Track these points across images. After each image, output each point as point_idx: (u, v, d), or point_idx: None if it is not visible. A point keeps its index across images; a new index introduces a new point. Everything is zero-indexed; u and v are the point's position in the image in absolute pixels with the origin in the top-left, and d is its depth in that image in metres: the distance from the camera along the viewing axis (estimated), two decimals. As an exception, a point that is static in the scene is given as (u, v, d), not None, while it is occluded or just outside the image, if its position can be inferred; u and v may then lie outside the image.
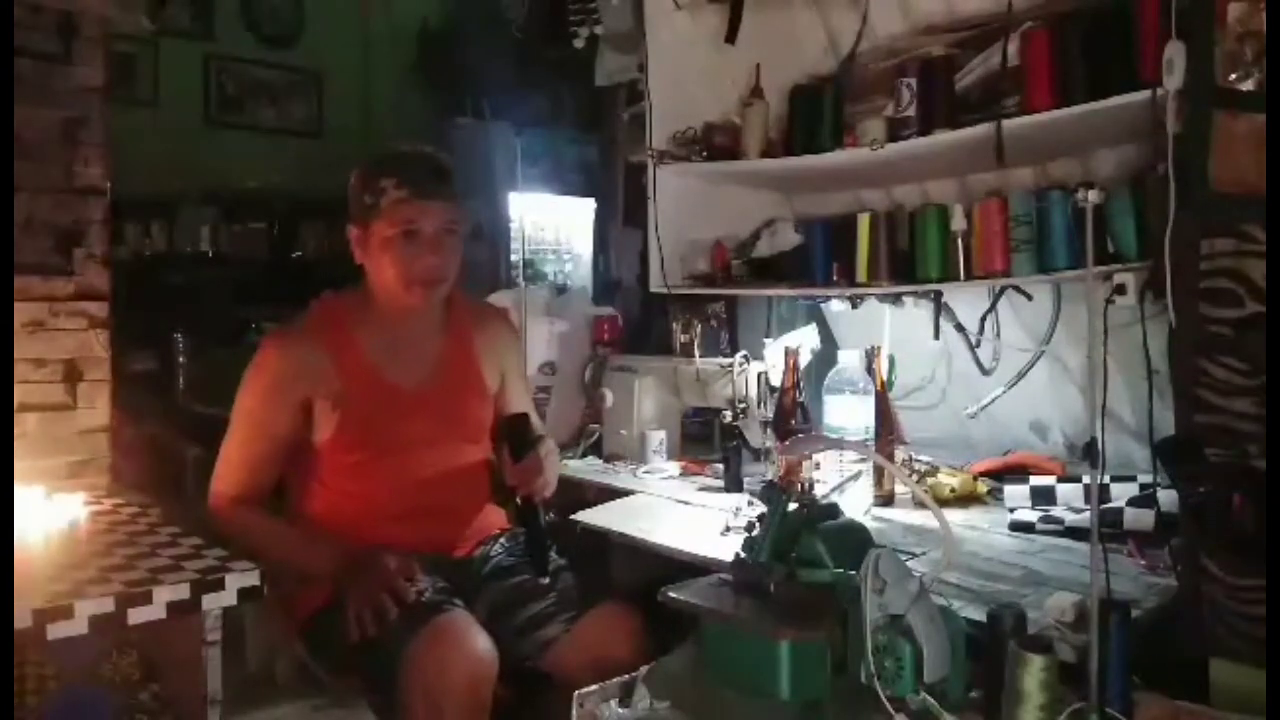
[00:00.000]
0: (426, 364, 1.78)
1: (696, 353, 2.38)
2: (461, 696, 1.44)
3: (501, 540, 1.83)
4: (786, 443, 1.88)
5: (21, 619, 1.28)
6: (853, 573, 1.16)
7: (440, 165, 1.72)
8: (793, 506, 1.29)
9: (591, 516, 1.96)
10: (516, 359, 1.98)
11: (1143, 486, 1.77)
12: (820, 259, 2.21)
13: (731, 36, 2.29)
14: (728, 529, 1.79)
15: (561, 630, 1.65)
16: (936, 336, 2.22)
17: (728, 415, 2.26)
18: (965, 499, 1.99)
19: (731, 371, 2.27)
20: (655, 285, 2.42)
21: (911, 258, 2.04)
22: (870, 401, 1.95)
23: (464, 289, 1.94)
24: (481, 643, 1.51)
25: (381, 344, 1.74)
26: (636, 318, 2.94)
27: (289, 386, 1.69)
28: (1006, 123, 1.78)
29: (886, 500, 1.97)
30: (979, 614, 1.26)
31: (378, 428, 1.70)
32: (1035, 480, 1.93)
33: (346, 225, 1.74)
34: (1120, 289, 1.68)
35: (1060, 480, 1.92)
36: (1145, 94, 1.52)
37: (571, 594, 1.71)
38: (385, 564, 1.59)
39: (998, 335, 2.25)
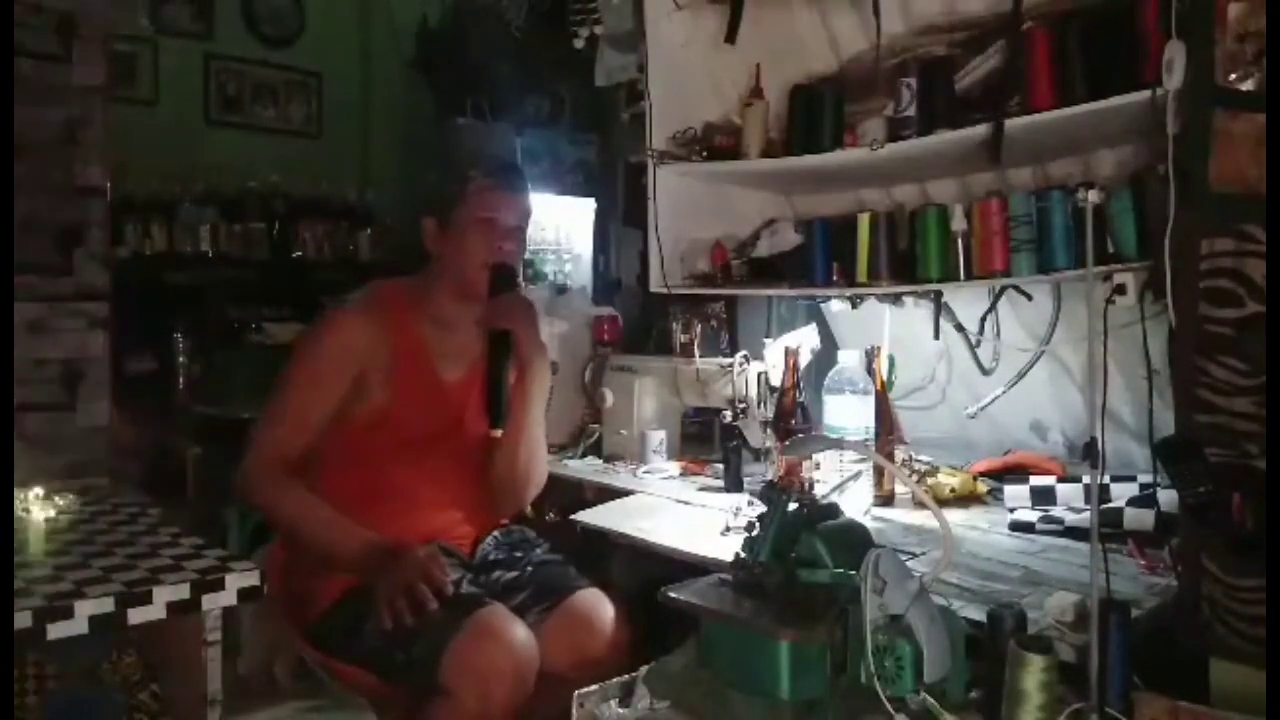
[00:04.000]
0: (464, 361, 1.83)
1: (696, 353, 2.38)
2: (509, 687, 1.47)
3: (495, 535, 1.87)
4: (786, 443, 1.89)
5: (21, 619, 1.28)
6: (853, 573, 1.16)
7: (516, 168, 1.90)
8: (793, 506, 1.28)
9: (591, 516, 1.96)
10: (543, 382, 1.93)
11: (1143, 486, 1.77)
12: (820, 259, 2.21)
13: (731, 36, 2.29)
14: (728, 529, 1.79)
15: (535, 621, 1.66)
16: (936, 336, 2.22)
17: (728, 415, 2.25)
18: (965, 499, 1.99)
19: (731, 371, 2.26)
20: (655, 285, 2.42)
21: (911, 258, 2.04)
22: (870, 401, 1.95)
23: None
24: (523, 634, 1.54)
25: (434, 333, 1.80)
26: (636, 318, 2.93)
27: (349, 355, 1.73)
28: (1006, 123, 1.78)
29: (886, 500, 1.97)
30: (979, 614, 1.26)
31: (418, 412, 1.76)
32: (1035, 480, 1.93)
33: (422, 218, 1.82)
34: (1120, 289, 1.68)
35: (1060, 480, 1.92)
36: (1145, 94, 1.52)
37: (550, 585, 1.74)
38: (418, 555, 1.61)
39: (998, 335, 2.25)
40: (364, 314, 1.77)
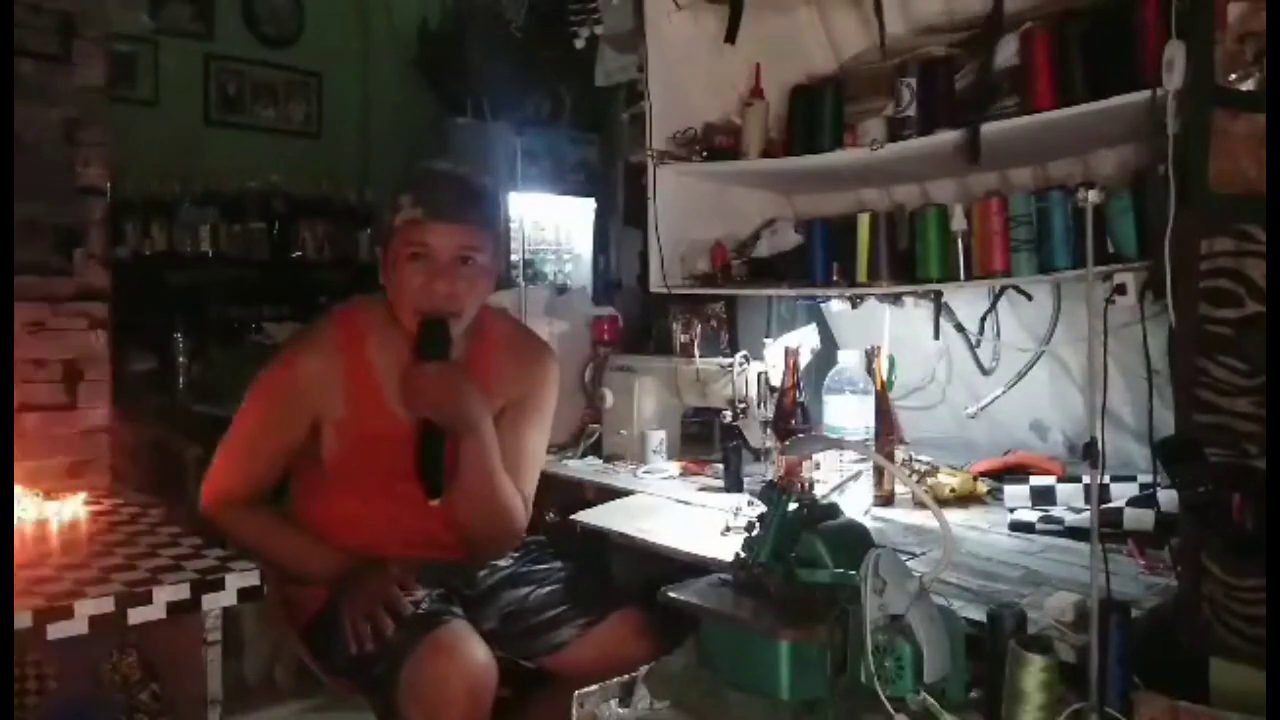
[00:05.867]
0: None
1: (696, 353, 2.38)
2: (461, 708, 1.43)
3: (513, 552, 1.83)
4: (786, 443, 1.89)
5: (21, 619, 1.28)
6: (853, 573, 1.16)
7: (464, 186, 1.63)
8: (793, 506, 1.28)
9: (591, 516, 1.96)
10: (537, 400, 1.80)
11: (1143, 486, 1.77)
12: (820, 259, 2.21)
13: (731, 36, 2.29)
14: (728, 529, 1.79)
15: (576, 633, 1.65)
16: (936, 336, 2.22)
17: (728, 415, 2.25)
18: (965, 499, 1.98)
19: (731, 371, 2.26)
20: (655, 285, 2.41)
21: (911, 258, 2.04)
22: (870, 401, 1.95)
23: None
24: (480, 653, 1.49)
25: (390, 366, 1.63)
26: (636, 318, 2.94)
27: (300, 404, 1.64)
28: (1006, 123, 1.78)
29: (886, 500, 1.96)
30: (979, 614, 1.26)
31: (378, 452, 1.65)
32: (1035, 480, 1.93)
33: (376, 249, 1.68)
34: (1120, 289, 1.68)
35: (1060, 480, 1.92)
36: (1145, 94, 1.52)
37: (585, 599, 1.70)
38: (381, 576, 1.57)
39: (998, 335, 2.25)
40: (317, 354, 1.65)
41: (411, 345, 1.60)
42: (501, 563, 1.80)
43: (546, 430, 1.84)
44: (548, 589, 1.73)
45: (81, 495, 1.84)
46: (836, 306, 2.41)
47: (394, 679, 1.46)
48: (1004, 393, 2.28)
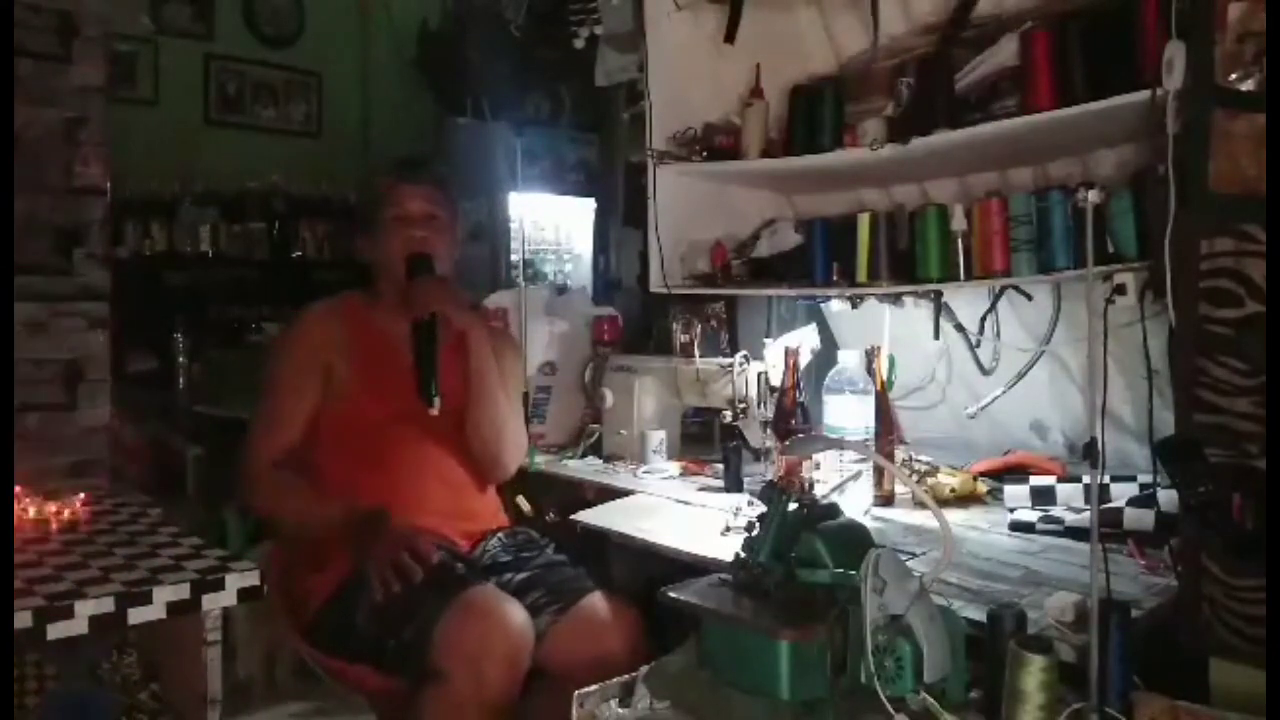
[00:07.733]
0: None
1: (696, 353, 2.38)
2: (502, 665, 1.48)
3: (500, 536, 1.87)
4: (786, 443, 1.89)
5: (21, 619, 1.28)
6: (853, 573, 1.16)
7: (424, 163, 2.12)
8: (793, 506, 1.28)
9: (591, 516, 1.96)
10: (509, 364, 2.01)
11: (1143, 486, 1.77)
12: (820, 259, 2.21)
13: (731, 36, 2.29)
14: (728, 529, 1.79)
15: (548, 623, 1.66)
16: (936, 336, 2.22)
17: (728, 415, 2.25)
18: (965, 499, 1.98)
19: (731, 371, 2.26)
20: (655, 285, 2.41)
21: (911, 258, 2.04)
22: (870, 401, 1.95)
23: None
24: (518, 614, 1.55)
25: (391, 323, 1.87)
26: (636, 318, 2.94)
27: (314, 348, 1.84)
28: (1006, 123, 1.78)
29: (886, 500, 1.96)
30: (979, 614, 1.26)
31: (386, 391, 1.81)
32: (1035, 480, 1.93)
33: (357, 238, 1.99)
34: (1120, 289, 1.68)
35: (1060, 480, 1.92)
36: (1145, 94, 1.52)
37: (563, 588, 1.73)
38: (401, 530, 1.65)
39: (998, 335, 2.25)
40: (325, 312, 1.90)
41: (405, 277, 1.83)
42: (489, 545, 1.84)
43: (520, 394, 2.04)
44: (525, 575, 1.76)
45: (81, 495, 1.84)
46: (836, 306, 2.41)
47: (427, 641, 1.50)
48: (1004, 393, 2.28)
